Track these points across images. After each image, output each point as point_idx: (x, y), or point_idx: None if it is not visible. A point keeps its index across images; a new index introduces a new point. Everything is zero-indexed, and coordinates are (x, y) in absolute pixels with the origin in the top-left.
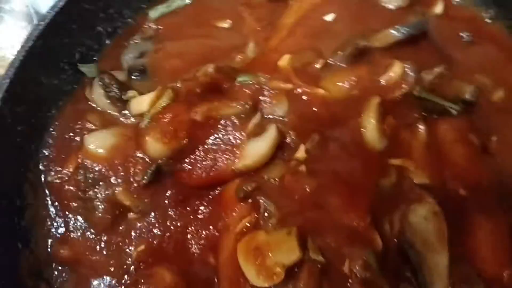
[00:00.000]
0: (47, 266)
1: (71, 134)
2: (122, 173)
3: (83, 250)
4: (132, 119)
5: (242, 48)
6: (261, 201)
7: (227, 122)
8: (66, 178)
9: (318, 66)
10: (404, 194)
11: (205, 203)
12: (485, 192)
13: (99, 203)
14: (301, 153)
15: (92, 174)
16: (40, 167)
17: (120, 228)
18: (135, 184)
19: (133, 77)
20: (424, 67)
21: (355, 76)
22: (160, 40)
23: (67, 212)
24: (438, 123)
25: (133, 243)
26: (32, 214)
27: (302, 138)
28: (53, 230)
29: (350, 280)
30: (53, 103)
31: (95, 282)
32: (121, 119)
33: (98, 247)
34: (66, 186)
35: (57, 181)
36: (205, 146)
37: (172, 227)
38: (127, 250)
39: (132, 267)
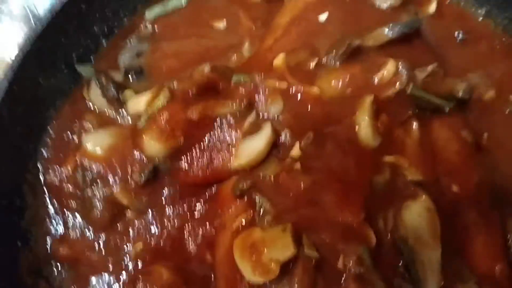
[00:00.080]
0: (47, 264)
1: (69, 134)
2: (119, 172)
3: (82, 248)
4: (129, 119)
5: (237, 48)
6: (256, 198)
7: (223, 121)
8: (65, 177)
9: (312, 65)
10: (397, 191)
11: (201, 201)
12: (477, 188)
13: (97, 202)
14: (296, 151)
15: (90, 174)
16: (39, 167)
17: (118, 226)
18: (133, 183)
19: (130, 77)
20: (417, 65)
21: (349, 74)
22: (156, 40)
23: (65, 211)
24: (431, 121)
25: (131, 241)
26: (32, 214)
27: (297, 136)
28: (52, 229)
29: (344, 276)
30: (51, 104)
31: (93, 280)
32: (118, 119)
33: (96, 246)
34: (65, 186)
35: (56, 180)
36: (202, 145)
37: (169, 225)
38: (125, 248)
39: (130, 265)
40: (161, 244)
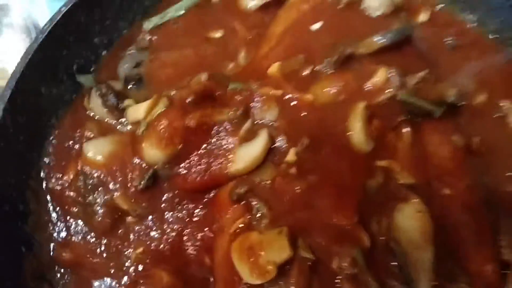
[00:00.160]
0: (50, 268)
1: (71, 142)
2: (120, 179)
3: (84, 253)
4: (129, 127)
5: (233, 57)
6: (253, 202)
7: (220, 128)
8: (67, 184)
9: (306, 72)
10: (390, 194)
11: (200, 206)
12: (469, 191)
13: (98, 208)
14: (291, 156)
15: (91, 180)
16: (42, 174)
17: (119, 231)
18: (133, 189)
19: (129, 86)
20: (408, 71)
21: (342, 81)
22: (154, 50)
23: (68, 217)
24: (422, 125)
25: (132, 246)
26: (35, 219)
27: (292, 142)
28: (55, 234)
29: (338, 277)
30: (53, 113)
31: (95, 284)
32: (118, 127)
33: (98, 250)
34: (67, 192)
35: (58, 187)
36: (200, 151)
37: (169, 230)
38: (126, 252)
39: (131, 269)
40: (161, 248)
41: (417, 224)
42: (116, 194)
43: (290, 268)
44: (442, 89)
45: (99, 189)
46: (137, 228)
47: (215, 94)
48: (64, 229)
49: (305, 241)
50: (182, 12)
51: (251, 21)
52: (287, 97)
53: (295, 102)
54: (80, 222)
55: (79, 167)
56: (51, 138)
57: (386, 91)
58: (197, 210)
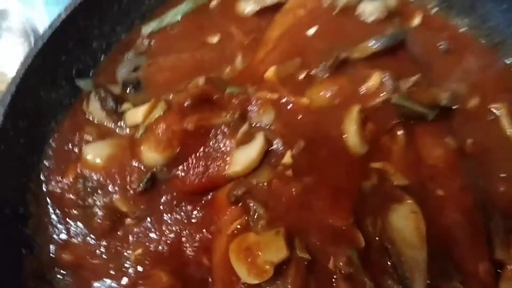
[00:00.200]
0: (50, 270)
1: (70, 145)
2: (119, 181)
3: (84, 254)
4: (128, 130)
5: (230, 61)
6: (250, 204)
7: (218, 131)
8: (66, 187)
9: (302, 76)
10: (385, 195)
11: (198, 208)
12: (462, 192)
13: (98, 210)
14: (287, 158)
15: (90, 183)
16: (41, 177)
17: (118, 233)
18: (132, 191)
19: (127, 90)
20: (401, 75)
21: (337, 85)
22: (152, 54)
23: (68, 219)
24: (416, 128)
25: (131, 247)
26: (35, 222)
27: (288, 145)
28: (55, 236)
29: (334, 276)
30: (52, 117)
31: (95, 284)
32: (117, 130)
33: (98, 251)
34: (67, 195)
35: (58, 190)
36: (197, 154)
37: (167, 231)
38: (126, 253)
39: (130, 270)
40: (160, 249)
41: (411, 224)
42: (115, 196)
43: (287, 268)
44: (435, 92)
45: (99, 191)
46: (136, 229)
47: (212, 97)
48: (64, 231)
49: (301, 241)
50: (180, 17)
51: (248, 26)
52: (283, 100)
53: (291, 106)
54: (79, 224)
55: (78, 170)
56: (50, 142)
57: (380, 95)
58: (195, 212)
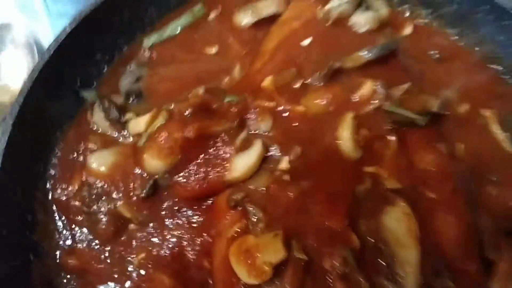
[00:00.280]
0: (57, 275)
1: (75, 154)
2: (122, 188)
3: (89, 259)
4: (130, 139)
5: (229, 71)
6: (249, 208)
7: (217, 139)
8: (72, 194)
9: (297, 85)
10: (378, 198)
11: (199, 213)
12: (453, 194)
13: (102, 216)
14: (284, 164)
15: (95, 190)
16: (48, 185)
17: (122, 238)
18: (135, 198)
19: (130, 100)
20: (393, 84)
21: (331, 94)
22: (154, 65)
23: (73, 226)
24: (407, 134)
25: (134, 252)
26: (42, 228)
27: (285, 151)
28: (61, 242)
29: (330, 276)
30: (58, 127)
31: None
32: (120, 139)
33: (102, 256)
34: (72, 202)
35: (64, 197)
36: (198, 161)
37: (169, 236)
38: (129, 258)
39: (134, 274)
40: (162, 253)
41: (404, 226)
42: (119, 203)
43: (285, 269)
44: (426, 99)
45: (103, 198)
46: (139, 235)
47: (212, 106)
48: (69, 237)
49: (298, 243)
50: (180, 30)
51: (245, 37)
52: (280, 108)
53: (287, 114)
54: (85, 230)
55: (83, 178)
56: (56, 151)
57: (373, 102)
58: (196, 217)
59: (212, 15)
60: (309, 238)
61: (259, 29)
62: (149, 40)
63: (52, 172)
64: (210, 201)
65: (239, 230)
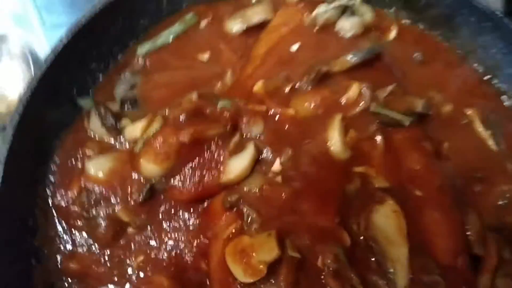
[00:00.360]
0: (58, 279)
1: (73, 161)
2: (120, 193)
3: (89, 263)
4: (127, 145)
5: (221, 77)
6: (244, 209)
7: (211, 143)
8: (71, 200)
9: (287, 89)
10: (367, 197)
11: (195, 215)
12: (439, 191)
13: (101, 221)
14: (276, 166)
15: (94, 196)
16: (47, 192)
17: (121, 242)
18: (132, 202)
19: (125, 107)
20: (378, 86)
21: (320, 97)
22: (148, 73)
23: (73, 230)
24: (394, 134)
25: (133, 255)
26: (43, 233)
27: (277, 153)
28: (61, 247)
29: (323, 273)
30: (56, 135)
31: None
32: (117, 145)
33: (102, 260)
34: (71, 207)
35: (63, 203)
36: (193, 165)
37: (166, 239)
38: (128, 261)
39: (133, 276)
40: (160, 256)
41: (393, 223)
42: (117, 207)
43: (279, 267)
44: (410, 100)
45: (101, 203)
46: (137, 238)
47: (205, 111)
48: (70, 241)
49: (292, 242)
50: (172, 37)
51: (236, 44)
52: (271, 112)
53: (278, 117)
54: (84, 234)
55: (82, 184)
56: (54, 158)
57: (360, 104)
58: (192, 219)
59: (204, 23)
60: (302, 237)
61: (250, 36)
62: (143, 48)
63: (51, 178)
64: (206, 204)
65: (234, 231)
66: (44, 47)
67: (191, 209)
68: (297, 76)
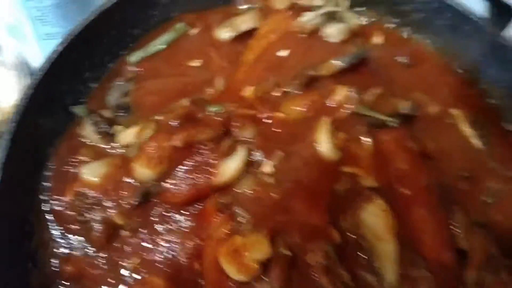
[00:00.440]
0: (54, 282)
1: (68, 167)
2: (114, 197)
3: (84, 266)
4: (120, 150)
5: (211, 83)
6: (236, 211)
7: (203, 146)
8: (66, 205)
9: (276, 94)
10: (356, 196)
11: (188, 218)
12: (426, 190)
13: (96, 224)
14: (268, 168)
15: (88, 200)
16: (43, 197)
17: (116, 244)
18: (126, 206)
19: (118, 113)
20: (365, 89)
21: (308, 100)
22: (140, 80)
23: (68, 234)
24: (381, 135)
25: (128, 257)
26: (39, 238)
27: (268, 155)
28: (57, 250)
29: (314, 269)
30: (50, 141)
31: None
32: (110, 150)
33: (97, 263)
34: (66, 212)
35: (58, 208)
36: (186, 168)
37: (161, 241)
38: (123, 263)
39: (128, 278)
40: (155, 258)
41: (381, 221)
42: (111, 211)
43: (272, 265)
44: (396, 102)
45: (96, 207)
46: (132, 241)
47: (197, 116)
48: (65, 245)
49: (283, 240)
50: (163, 46)
51: (226, 51)
52: (261, 116)
53: (268, 120)
54: (80, 238)
55: (76, 189)
56: (50, 164)
57: (347, 107)
58: (186, 222)
59: (194, 31)
60: (293, 236)
61: (239, 43)
62: (134, 57)
63: (47, 184)
64: (199, 206)
65: (227, 232)
66: (38, 57)
67: (185, 211)
68: (286, 81)
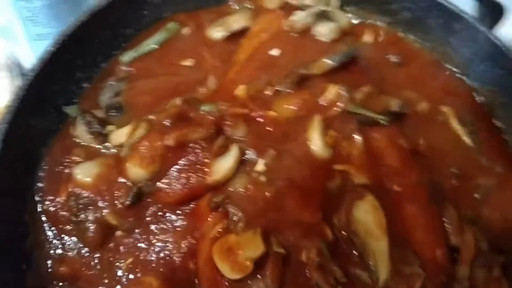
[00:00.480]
0: (49, 283)
1: (61, 167)
2: (108, 197)
3: (79, 266)
4: (113, 150)
5: (204, 82)
6: (230, 209)
7: (196, 145)
8: (60, 205)
9: (269, 93)
10: (348, 193)
11: (182, 217)
12: (417, 187)
13: (90, 225)
14: (260, 166)
15: (82, 200)
16: (36, 198)
17: (110, 245)
18: (120, 206)
19: (110, 113)
20: (356, 87)
21: (300, 99)
22: (132, 80)
23: (62, 235)
24: (371, 132)
25: (122, 257)
26: (33, 239)
27: (260, 154)
28: (51, 251)
29: (307, 266)
30: (43, 142)
31: None
32: (103, 150)
33: (92, 263)
34: (60, 212)
35: (52, 208)
36: (179, 167)
37: (154, 241)
38: (118, 263)
39: (123, 278)
40: (149, 258)
41: (373, 218)
42: (105, 211)
43: (265, 263)
44: (386, 100)
45: (90, 207)
46: (126, 241)
47: (189, 116)
48: (59, 246)
49: (276, 238)
50: (155, 46)
51: (218, 50)
52: (253, 115)
53: (260, 119)
54: (74, 238)
55: (70, 189)
56: (43, 165)
57: (338, 105)
58: (179, 221)
59: (186, 31)
60: (286, 233)
61: (231, 42)
62: (126, 57)
63: (40, 184)
64: (193, 205)
65: (221, 230)
66: (29, 58)
67: (178, 211)
68: (277, 80)
